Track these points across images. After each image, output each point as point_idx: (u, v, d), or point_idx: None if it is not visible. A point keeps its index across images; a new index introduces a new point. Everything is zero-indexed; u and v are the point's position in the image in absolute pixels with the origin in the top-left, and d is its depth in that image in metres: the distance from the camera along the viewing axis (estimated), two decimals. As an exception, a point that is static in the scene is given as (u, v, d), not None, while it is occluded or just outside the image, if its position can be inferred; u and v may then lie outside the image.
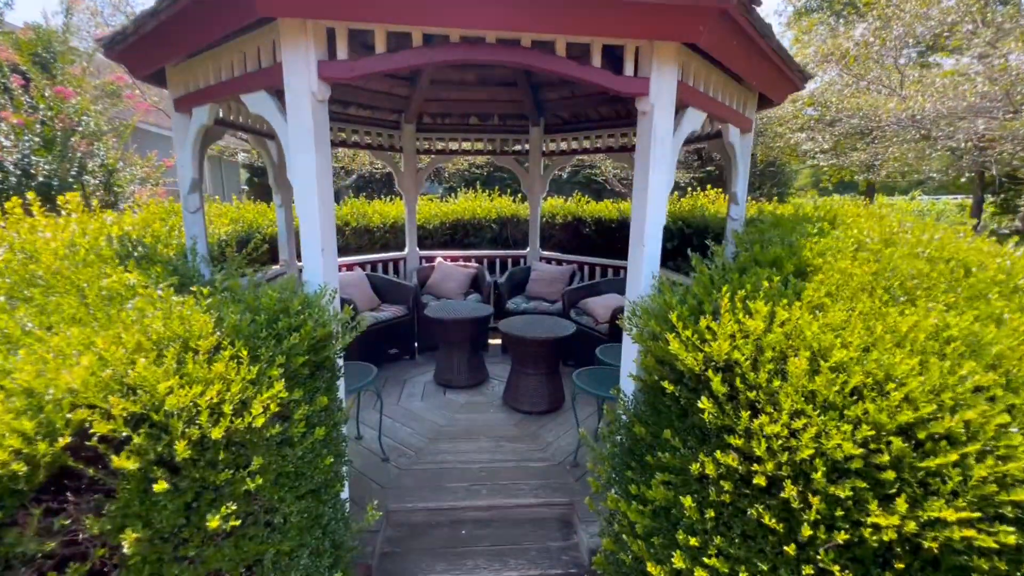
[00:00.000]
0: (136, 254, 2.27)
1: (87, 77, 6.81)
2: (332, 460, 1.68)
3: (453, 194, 6.70)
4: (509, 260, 6.14)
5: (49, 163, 5.58)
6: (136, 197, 6.15)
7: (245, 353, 1.41)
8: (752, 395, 1.43)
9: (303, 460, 1.59)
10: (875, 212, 3.32)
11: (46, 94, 5.71)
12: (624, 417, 2.11)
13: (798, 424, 1.32)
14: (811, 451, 1.26)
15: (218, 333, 1.49)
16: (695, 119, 2.51)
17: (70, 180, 5.74)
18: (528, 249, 6.09)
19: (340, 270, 5.25)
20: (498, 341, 5.63)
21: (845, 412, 1.30)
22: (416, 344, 5.32)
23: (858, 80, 12.23)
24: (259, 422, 1.34)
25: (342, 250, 5.70)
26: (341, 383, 2.25)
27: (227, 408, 1.30)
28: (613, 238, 5.87)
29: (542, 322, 4.11)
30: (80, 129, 6.07)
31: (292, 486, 1.56)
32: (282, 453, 1.51)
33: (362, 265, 5.45)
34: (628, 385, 2.36)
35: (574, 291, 4.98)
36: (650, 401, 1.88)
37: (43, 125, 5.66)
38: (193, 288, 1.68)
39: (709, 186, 6.10)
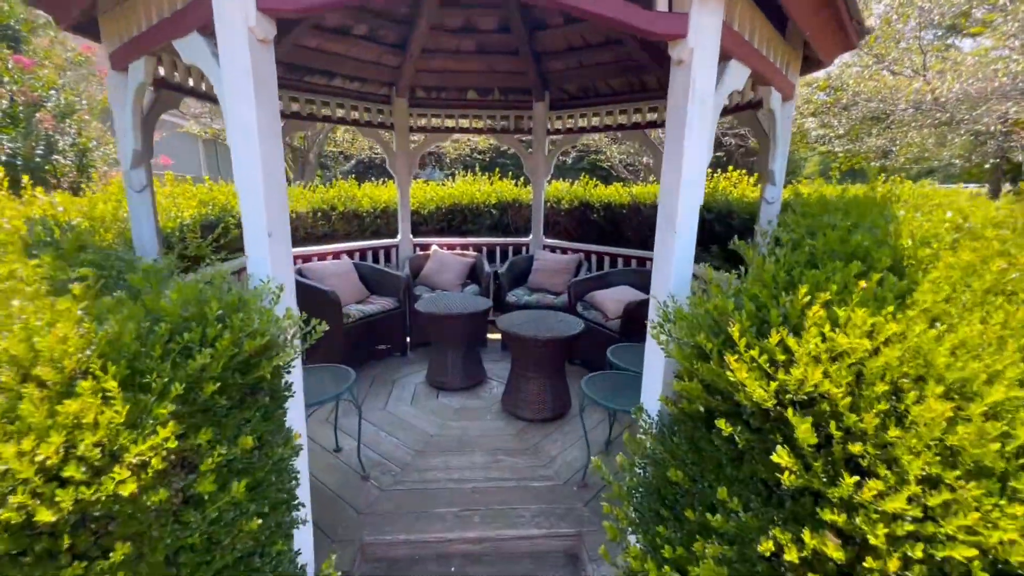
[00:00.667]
0: (61, 241, 1.83)
1: (56, 48, 6.30)
2: (260, 522, 1.24)
3: (454, 180, 6.20)
4: (510, 248, 5.68)
5: (12, 140, 5.13)
6: (111, 179, 5.68)
7: (114, 385, 0.96)
8: (855, 448, 0.98)
9: (219, 525, 1.16)
10: (943, 192, 2.84)
11: (10, 66, 5.25)
12: (648, 444, 1.67)
13: (935, 499, 0.88)
14: (967, 550, 0.82)
15: (89, 352, 1.04)
16: (738, 76, 2.03)
17: (37, 159, 5.29)
18: (531, 237, 5.62)
19: (326, 259, 4.81)
20: (498, 336, 5.19)
21: (1015, 486, 0.85)
22: (408, 339, 4.89)
23: (879, 60, 11.62)
24: (128, 488, 0.90)
25: (329, 237, 5.25)
26: (296, 403, 1.82)
27: (74, 470, 0.86)
28: (624, 225, 5.39)
29: (546, 319, 3.66)
30: (49, 105, 5.61)
31: (201, 562, 1.13)
32: (183, 520, 1.08)
33: (350, 253, 5.00)
34: (653, 404, 1.92)
35: (581, 283, 4.53)
36: (689, 435, 1.44)
37: (11, 102, 5.21)
38: (74, 286, 1.24)
39: (719, 171, 5.61)
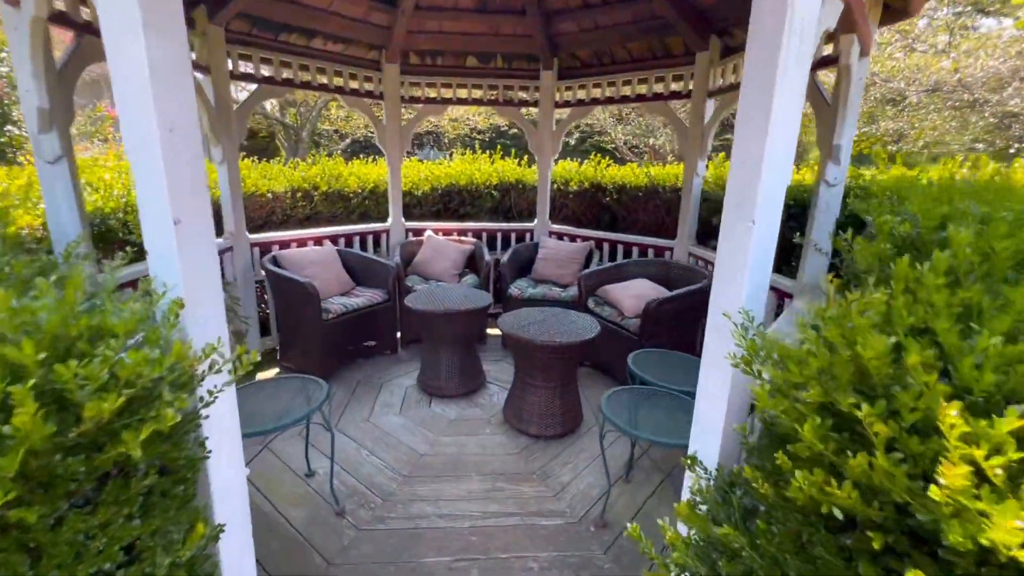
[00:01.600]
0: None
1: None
2: None
3: (452, 160, 5.64)
4: (513, 235, 5.15)
5: (-43, 109, 4.57)
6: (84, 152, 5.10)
7: None
8: None
9: None
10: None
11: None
12: (714, 525, 1.19)
13: None
14: None
15: None
16: (833, 9, 1.50)
17: (-13, 130, 4.74)
18: (535, 221, 5.09)
19: (306, 244, 4.29)
20: (498, 331, 4.69)
21: None
22: (399, 335, 4.39)
23: (903, 37, 10.98)
24: None
25: (311, 220, 4.71)
26: (227, 452, 1.33)
27: None
28: (640, 210, 4.86)
29: (555, 319, 3.16)
30: (2, 71, 5.03)
31: None
32: None
33: (334, 238, 4.47)
34: (711, 451, 1.43)
35: (594, 275, 4.02)
36: (794, 534, 0.95)
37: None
38: None
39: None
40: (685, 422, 2.20)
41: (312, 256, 4.00)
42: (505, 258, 4.46)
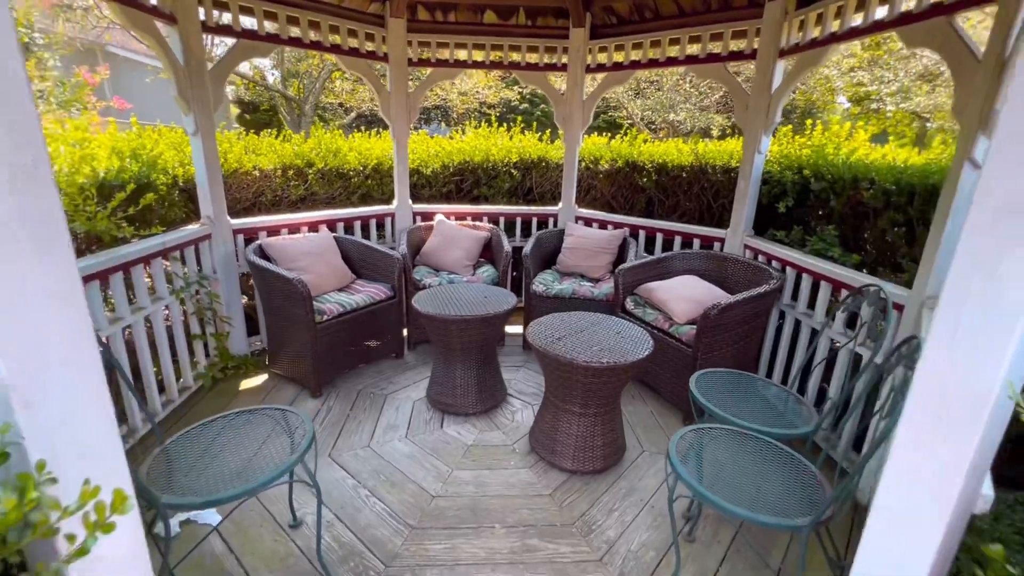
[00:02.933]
0: None
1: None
2: None
3: (463, 135, 5.00)
4: (534, 220, 4.55)
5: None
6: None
7: None
8: None
9: None
10: None
11: None
12: None
13: None
14: None
15: None
16: None
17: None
18: (560, 205, 4.48)
19: (299, 231, 3.72)
20: (518, 330, 4.15)
21: None
22: (406, 334, 3.86)
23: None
24: None
25: (304, 201, 4.13)
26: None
27: None
28: (682, 194, 4.22)
29: (595, 329, 2.59)
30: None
31: None
32: None
33: (331, 223, 3.90)
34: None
35: (634, 270, 3.42)
36: None
37: None
38: None
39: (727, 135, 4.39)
40: (782, 484, 1.65)
41: (305, 245, 3.43)
42: (528, 248, 3.87)
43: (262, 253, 3.30)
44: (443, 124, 22.23)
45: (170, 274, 2.82)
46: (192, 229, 3.04)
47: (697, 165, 3.98)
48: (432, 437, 2.77)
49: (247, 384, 3.26)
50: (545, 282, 3.76)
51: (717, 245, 3.70)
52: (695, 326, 2.85)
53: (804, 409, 2.17)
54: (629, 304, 3.33)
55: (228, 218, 3.31)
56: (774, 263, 3.17)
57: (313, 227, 3.80)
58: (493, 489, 2.38)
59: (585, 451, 2.46)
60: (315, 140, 4.19)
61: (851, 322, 2.52)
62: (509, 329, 4.15)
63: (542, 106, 22.21)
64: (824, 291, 2.70)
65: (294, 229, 3.70)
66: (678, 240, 3.93)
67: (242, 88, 17.40)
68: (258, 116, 21.48)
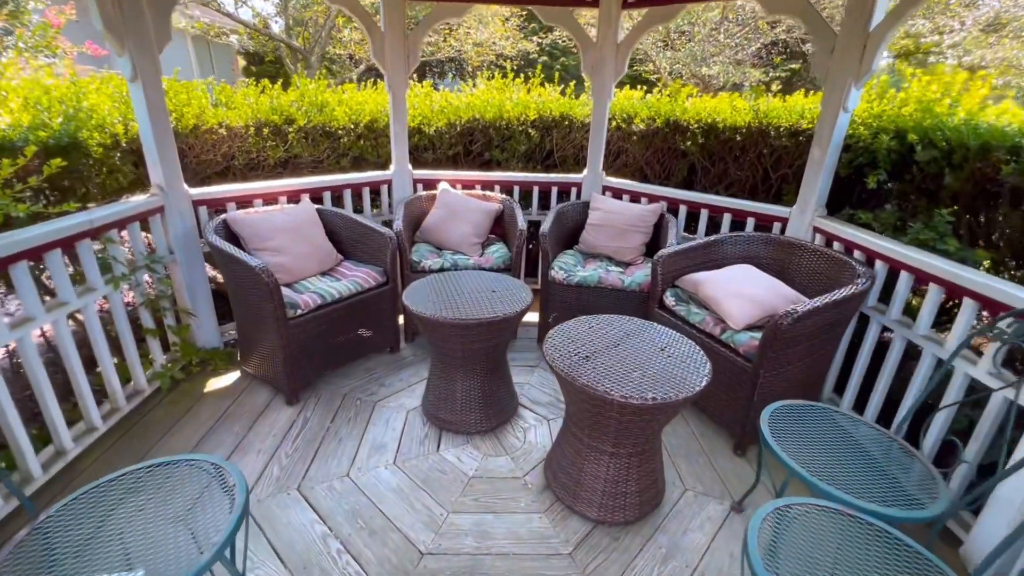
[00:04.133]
0: None
1: None
2: None
3: (473, 84, 4.27)
4: (554, 189, 3.90)
5: None
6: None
7: None
8: None
9: None
10: None
11: None
12: None
13: None
14: None
15: None
16: None
17: None
18: (585, 172, 3.81)
19: (276, 201, 3.15)
20: (533, 317, 3.58)
21: None
22: (402, 323, 3.33)
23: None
24: None
25: (285, 166, 3.54)
26: None
27: None
28: (733, 162, 3.52)
29: (632, 342, 2.02)
30: None
31: None
32: None
33: (316, 193, 3.31)
34: None
35: (674, 258, 2.80)
36: None
37: None
38: None
39: (779, 94, 3.59)
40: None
41: (280, 220, 2.86)
42: (547, 225, 3.24)
43: (227, 231, 2.75)
44: (457, 78, 21.06)
45: (106, 259, 2.29)
46: (137, 201, 2.48)
47: (756, 126, 3.25)
48: (426, 463, 2.27)
49: (214, 384, 2.79)
50: (566, 266, 3.16)
51: (776, 226, 3.04)
52: (755, 334, 2.26)
53: (918, 468, 1.60)
54: (669, 299, 2.73)
55: (185, 187, 2.74)
56: (856, 254, 2.52)
57: (294, 197, 3.22)
58: (498, 543, 1.88)
59: (616, 498, 1.93)
60: (296, 92, 3.54)
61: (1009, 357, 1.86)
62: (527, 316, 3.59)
63: (562, 59, 20.78)
64: (944, 302, 2.07)
65: (270, 200, 3.13)
66: (726, 219, 3.26)
67: (245, 37, 16.43)
68: (264, 68, 20.55)
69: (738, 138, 3.34)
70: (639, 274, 3.09)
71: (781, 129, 3.14)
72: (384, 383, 2.88)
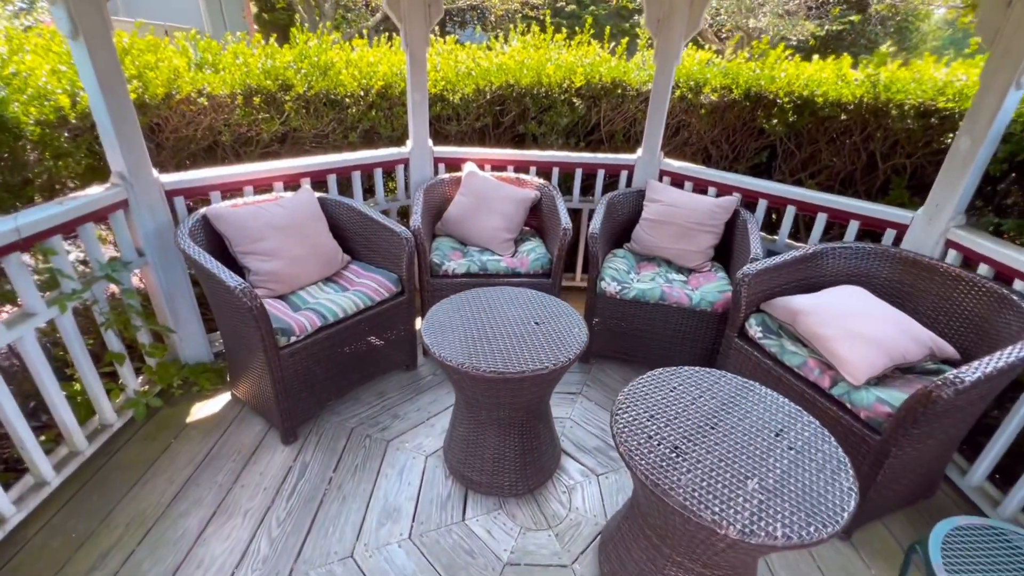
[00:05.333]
0: None
1: None
2: None
3: (505, 44, 3.55)
4: (600, 172, 3.27)
5: None
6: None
7: None
8: None
9: None
10: None
11: None
12: None
13: None
14: None
15: None
16: None
17: None
18: (639, 152, 3.17)
19: (270, 188, 2.62)
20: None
21: None
22: (419, 329, 2.83)
23: None
24: None
25: (283, 142, 2.97)
26: None
27: None
28: (827, 146, 2.84)
29: (731, 411, 1.48)
30: None
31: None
32: None
33: (319, 176, 2.76)
34: None
35: (762, 276, 2.20)
36: None
37: None
38: None
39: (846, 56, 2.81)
40: None
41: (274, 215, 2.33)
42: (597, 223, 2.65)
43: (208, 230, 2.24)
44: (479, 29, 19.74)
45: (47, 272, 1.80)
46: (90, 196, 1.97)
47: (871, 102, 2.55)
48: (450, 539, 1.82)
49: (199, 412, 2.35)
50: (618, 274, 2.60)
51: (890, 232, 2.41)
52: (882, 393, 1.70)
53: None
54: (754, 328, 2.17)
55: (156, 174, 2.21)
56: (1019, 284, 1.90)
57: (292, 182, 2.68)
58: (544, 676, 1.43)
59: (702, 625, 1.45)
60: (295, 50, 2.92)
61: None
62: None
63: (592, 7, 19.19)
64: None
65: (262, 186, 2.59)
66: (820, 219, 2.62)
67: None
68: (276, 16, 19.44)
69: (843, 117, 2.64)
70: (709, 288, 2.51)
71: (906, 107, 2.44)
72: (398, 413, 2.41)
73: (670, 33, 2.81)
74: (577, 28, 3.81)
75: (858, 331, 1.89)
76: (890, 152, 2.62)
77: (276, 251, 2.28)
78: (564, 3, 18.05)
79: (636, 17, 15.83)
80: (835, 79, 2.73)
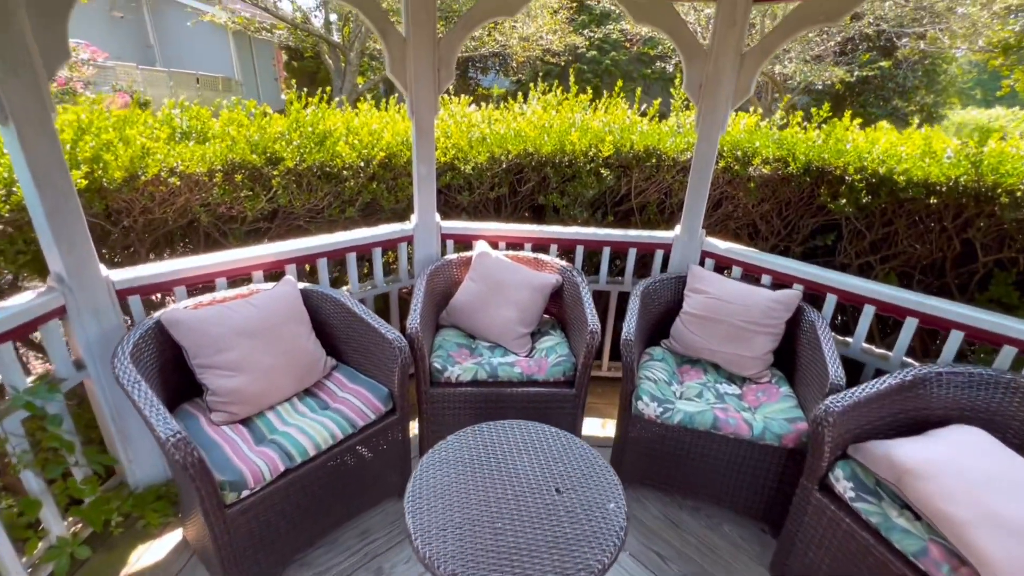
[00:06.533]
0: None
1: None
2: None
3: (525, 99, 3.20)
4: (631, 252, 2.83)
5: None
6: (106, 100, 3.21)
7: None
8: None
9: None
10: None
11: None
12: None
13: None
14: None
15: None
16: None
17: None
18: (678, 230, 2.73)
19: (248, 277, 2.25)
20: (599, 429, 2.57)
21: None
22: (415, 438, 2.39)
23: None
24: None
25: (268, 219, 2.63)
26: None
27: None
28: (914, 228, 2.37)
29: None
30: None
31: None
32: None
33: (307, 261, 2.39)
34: None
35: (853, 413, 1.70)
36: None
37: None
38: None
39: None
40: None
41: (242, 319, 1.94)
42: (631, 328, 2.19)
43: (162, 338, 1.85)
44: (501, 74, 20.05)
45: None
46: (14, 305, 1.61)
47: (971, 186, 2.08)
48: None
49: (141, 558, 1.91)
50: (657, 388, 2.12)
51: (1006, 352, 1.89)
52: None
53: None
54: (842, 482, 1.65)
55: (104, 271, 1.86)
56: None
57: (273, 269, 2.31)
58: None
59: None
60: (287, 119, 2.61)
61: None
62: (588, 429, 2.57)
63: (612, 53, 19.33)
64: None
65: (238, 277, 2.22)
66: (909, 324, 2.11)
67: (284, 32, 15.94)
68: (304, 64, 20.14)
69: (932, 201, 2.17)
70: (773, 410, 2.01)
71: (1019, 194, 1.97)
72: (387, 558, 1.93)
73: (715, 100, 2.42)
74: (599, 81, 3.48)
75: (1004, 514, 1.37)
76: (995, 242, 2.14)
77: (242, 363, 1.88)
78: (584, 50, 18.24)
79: (659, 64, 15.79)
80: (920, 151, 2.27)
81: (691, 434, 2.01)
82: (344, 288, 2.65)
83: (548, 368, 2.26)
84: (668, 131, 2.99)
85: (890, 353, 2.22)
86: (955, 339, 2.00)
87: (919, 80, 16.84)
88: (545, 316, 2.69)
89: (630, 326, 2.19)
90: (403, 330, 2.11)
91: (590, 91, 3.34)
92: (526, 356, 2.40)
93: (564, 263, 2.66)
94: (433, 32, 2.33)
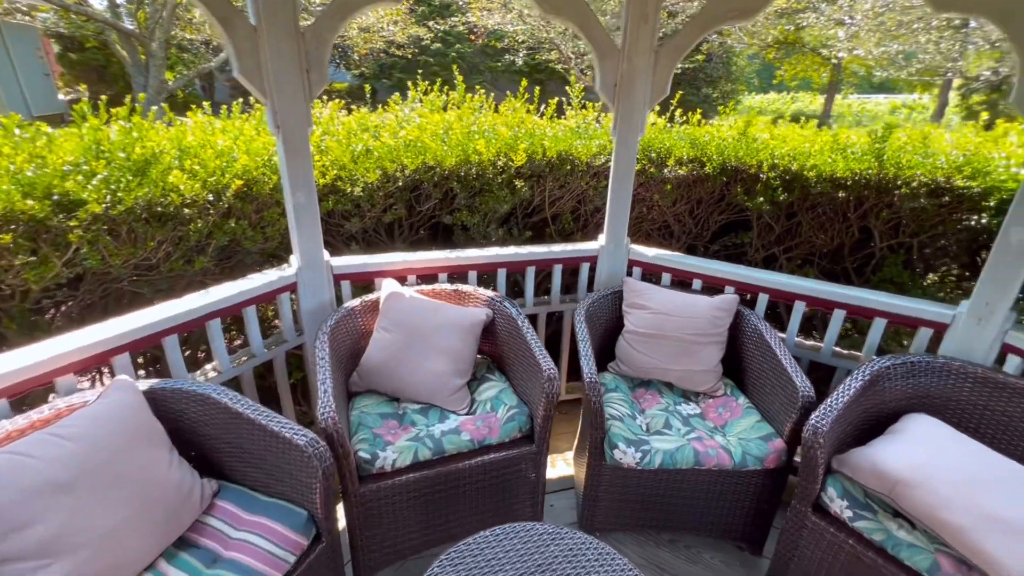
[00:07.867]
0: None
1: None
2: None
3: (373, 96, 2.64)
4: (556, 269, 2.57)
5: None
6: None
7: None
8: None
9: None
10: None
11: None
12: None
13: None
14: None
15: None
16: None
17: None
18: (602, 239, 2.53)
19: (48, 384, 1.47)
20: (558, 470, 2.30)
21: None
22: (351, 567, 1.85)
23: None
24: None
25: (73, 286, 1.82)
26: None
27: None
28: (819, 222, 2.46)
29: None
30: None
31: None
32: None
33: (147, 345, 1.67)
34: None
35: (836, 426, 1.64)
36: None
37: None
38: None
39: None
40: None
41: (49, 464, 1.23)
42: (591, 361, 1.92)
43: None
44: (343, 67, 18.59)
45: None
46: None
47: (875, 179, 2.19)
48: None
49: None
50: (625, 427, 1.89)
51: (921, 332, 2.03)
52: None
53: None
54: (836, 502, 1.59)
55: None
56: None
57: (96, 363, 1.56)
58: None
59: None
60: (79, 137, 1.80)
61: None
62: (557, 479, 2.26)
63: (457, 45, 19.03)
64: None
65: (22, 394, 1.44)
66: (837, 316, 2.18)
67: (50, 15, 12.65)
68: (87, 56, 16.31)
69: (841, 194, 2.26)
70: (742, 428, 1.92)
71: (917, 183, 2.11)
72: None
73: (632, 102, 2.23)
74: (446, 74, 3.13)
75: (1003, 516, 1.38)
76: (891, 231, 2.31)
77: (59, 540, 1.19)
78: (429, 42, 17.64)
79: (507, 56, 15.89)
80: (828, 150, 2.35)
81: (672, 474, 1.82)
82: (210, 367, 1.95)
83: (500, 427, 1.89)
84: (573, 133, 2.76)
85: (821, 344, 2.28)
86: (878, 325, 2.10)
87: (721, 72, 19.59)
88: (478, 356, 2.30)
89: (589, 362, 1.92)
90: (311, 422, 1.57)
91: (482, 94, 2.97)
92: (467, 413, 2.00)
93: (491, 292, 2.29)
94: (294, 18, 1.76)
